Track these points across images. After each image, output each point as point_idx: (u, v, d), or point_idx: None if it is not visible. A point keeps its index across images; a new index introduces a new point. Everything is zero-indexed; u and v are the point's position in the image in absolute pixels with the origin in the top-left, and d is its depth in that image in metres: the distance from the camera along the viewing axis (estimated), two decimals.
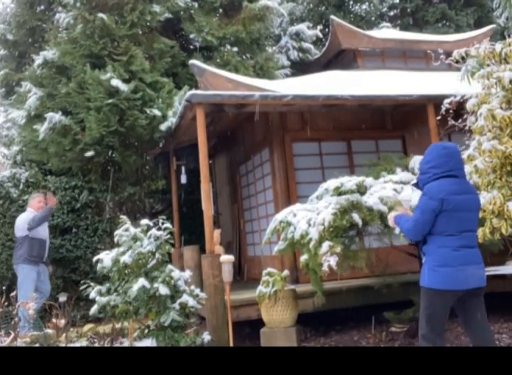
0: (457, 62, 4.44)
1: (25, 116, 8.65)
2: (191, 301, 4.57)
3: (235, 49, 9.31)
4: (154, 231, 4.71)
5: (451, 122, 4.84)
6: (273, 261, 6.50)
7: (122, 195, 8.40)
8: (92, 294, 4.55)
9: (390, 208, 3.97)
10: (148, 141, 8.14)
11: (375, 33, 10.57)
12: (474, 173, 3.91)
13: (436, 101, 5.87)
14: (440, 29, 14.14)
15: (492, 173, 3.84)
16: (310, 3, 15.12)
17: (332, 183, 4.74)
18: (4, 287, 6.23)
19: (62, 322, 5.60)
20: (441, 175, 3.10)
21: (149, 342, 4.77)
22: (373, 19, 15.55)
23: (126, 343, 5.39)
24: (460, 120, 4.65)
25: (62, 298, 7.26)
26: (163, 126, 7.69)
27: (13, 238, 7.91)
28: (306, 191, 6.17)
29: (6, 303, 5.59)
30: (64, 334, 5.34)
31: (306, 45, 11.88)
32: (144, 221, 4.89)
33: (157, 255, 4.62)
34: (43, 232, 6.81)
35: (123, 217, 4.86)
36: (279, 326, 4.86)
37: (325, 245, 4.13)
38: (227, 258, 5.01)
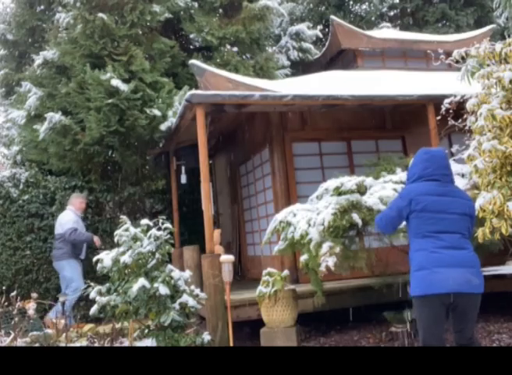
0: (457, 62, 4.44)
1: (25, 116, 8.65)
2: (191, 301, 4.57)
3: (235, 49, 9.31)
4: (154, 231, 4.71)
5: (451, 122, 4.84)
6: (273, 261, 6.50)
7: (122, 195, 8.39)
8: (92, 294, 4.55)
9: None
10: (148, 141, 8.14)
11: (375, 33, 10.57)
12: (474, 173, 3.91)
13: (436, 101, 5.87)
14: (440, 29, 14.14)
15: (492, 173, 3.83)
16: (310, 3, 15.12)
17: (332, 183, 4.74)
18: (4, 287, 6.24)
19: (62, 322, 5.60)
20: (420, 178, 3.12)
21: (149, 342, 4.77)
22: (373, 19, 15.55)
23: (126, 343, 5.39)
24: (460, 120, 4.65)
25: (62, 298, 7.26)
26: (163, 126, 7.68)
27: (13, 238, 7.94)
28: (306, 191, 6.17)
29: (6, 303, 5.59)
30: (64, 334, 5.34)
31: (306, 45, 11.88)
32: (144, 221, 4.88)
33: (157, 255, 4.62)
34: (83, 228, 7.36)
35: (123, 217, 4.86)
36: (279, 326, 4.86)
37: (325, 246, 4.13)
38: (227, 258, 5.01)
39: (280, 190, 6.77)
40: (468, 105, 4.13)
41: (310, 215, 4.48)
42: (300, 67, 11.44)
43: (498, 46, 4.03)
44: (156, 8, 8.44)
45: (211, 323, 5.15)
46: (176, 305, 4.50)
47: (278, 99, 5.96)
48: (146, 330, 4.69)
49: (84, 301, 6.83)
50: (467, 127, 4.30)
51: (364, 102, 6.33)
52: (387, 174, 4.84)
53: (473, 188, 4.02)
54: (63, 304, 6.15)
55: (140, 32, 8.38)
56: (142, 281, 4.37)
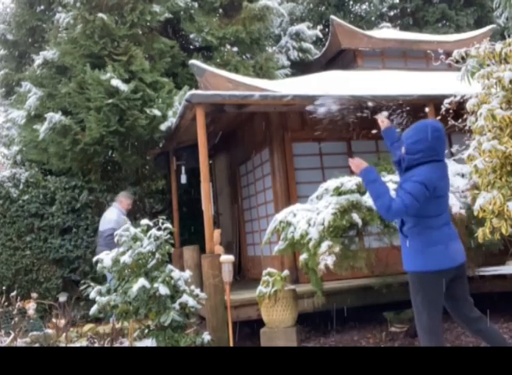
0: (457, 62, 4.44)
1: (25, 116, 8.65)
2: (191, 301, 4.57)
3: (235, 49, 9.32)
4: (154, 231, 4.71)
5: (451, 122, 4.84)
6: (273, 261, 6.50)
7: None
8: (92, 294, 4.55)
9: None
10: (148, 141, 8.14)
11: (375, 33, 10.57)
12: (474, 173, 3.91)
13: (436, 101, 5.86)
14: (440, 29, 14.15)
15: (492, 173, 3.83)
16: (310, 3, 15.12)
17: (332, 183, 4.74)
18: (4, 287, 6.25)
19: (62, 322, 5.61)
20: (430, 159, 3.05)
21: (149, 342, 4.77)
22: (373, 19, 15.56)
23: (126, 343, 5.39)
24: (460, 120, 4.65)
25: (62, 298, 7.27)
26: (163, 126, 7.68)
27: (13, 238, 7.95)
28: (306, 191, 6.17)
29: (6, 303, 5.59)
30: (64, 334, 5.34)
31: (306, 45, 11.88)
32: (144, 221, 4.88)
33: (157, 255, 4.62)
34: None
35: (123, 217, 4.86)
36: (278, 326, 4.86)
37: (324, 244, 4.13)
38: (227, 258, 5.01)
39: (280, 190, 6.77)
40: (468, 105, 4.13)
41: (310, 215, 4.48)
42: (300, 67, 11.44)
43: (498, 46, 4.02)
44: (156, 8, 8.45)
45: (211, 323, 5.15)
46: (176, 305, 4.50)
47: (278, 99, 5.96)
48: (146, 330, 4.69)
49: (84, 301, 6.83)
50: (467, 127, 4.30)
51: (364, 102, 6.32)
52: (387, 174, 4.84)
53: (473, 188, 4.02)
54: (64, 304, 6.15)
55: (140, 32, 8.39)
56: (142, 281, 4.37)
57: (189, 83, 8.35)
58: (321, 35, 12.91)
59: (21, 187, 8.18)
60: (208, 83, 7.01)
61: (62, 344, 5.27)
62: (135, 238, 4.68)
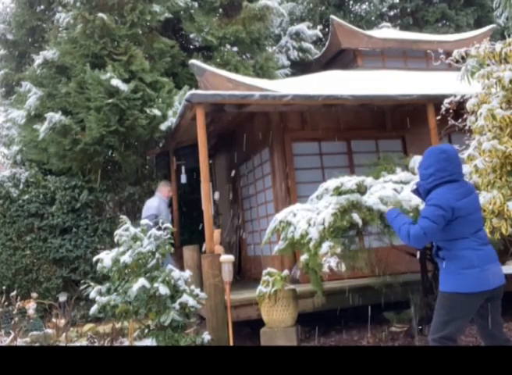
0: (457, 62, 4.44)
1: (25, 115, 8.65)
2: (191, 301, 4.57)
3: (235, 49, 9.31)
4: (154, 231, 4.71)
5: (451, 122, 4.84)
6: (273, 261, 6.50)
7: (122, 195, 8.39)
8: (92, 294, 4.55)
9: None
10: (148, 141, 8.14)
11: (375, 33, 10.57)
12: (474, 173, 3.91)
13: (436, 101, 5.86)
14: (440, 29, 14.15)
15: (492, 173, 3.84)
16: (310, 3, 15.12)
17: (332, 183, 4.73)
18: (4, 287, 6.25)
19: (62, 322, 5.61)
20: (443, 180, 3.05)
21: (149, 342, 4.77)
22: (373, 19, 15.56)
23: (126, 343, 5.39)
24: (460, 120, 4.65)
25: (62, 297, 7.28)
26: (163, 126, 7.68)
27: (13, 238, 7.95)
28: (306, 191, 6.17)
29: (6, 303, 5.59)
30: (64, 334, 5.34)
31: (306, 45, 11.88)
32: (144, 221, 4.88)
33: (157, 255, 4.62)
34: (167, 215, 7.21)
35: (123, 217, 4.86)
36: (278, 326, 4.86)
37: (325, 245, 4.13)
38: (227, 258, 5.01)
39: (280, 190, 6.77)
40: (468, 105, 4.13)
41: (310, 215, 4.48)
42: (300, 67, 11.44)
43: (498, 46, 4.03)
44: (156, 8, 8.45)
45: (211, 322, 5.15)
46: (176, 305, 4.50)
47: (278, 99, 5.96)
48: (146, 330, 4.69)
49: (84, 301, 6.82)
50: (467, 127, 4.30)
51: (364, 102, 6.33)
52: (387, 174, 4.84)
53: None
54: (64, 304, 6.15)
55: (140, 32, 8.39)
56: (142, 281, 4.37)
57: (189, 83, 8.35)
58: (321, 35, 12.91)
59: (21, 186, 8.18)
60: (207, 83, 7.01)
61: (62, 344, 5.28)
62: (135, 238, 4.69)
